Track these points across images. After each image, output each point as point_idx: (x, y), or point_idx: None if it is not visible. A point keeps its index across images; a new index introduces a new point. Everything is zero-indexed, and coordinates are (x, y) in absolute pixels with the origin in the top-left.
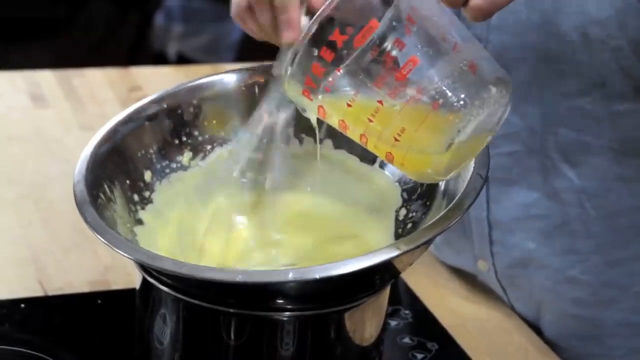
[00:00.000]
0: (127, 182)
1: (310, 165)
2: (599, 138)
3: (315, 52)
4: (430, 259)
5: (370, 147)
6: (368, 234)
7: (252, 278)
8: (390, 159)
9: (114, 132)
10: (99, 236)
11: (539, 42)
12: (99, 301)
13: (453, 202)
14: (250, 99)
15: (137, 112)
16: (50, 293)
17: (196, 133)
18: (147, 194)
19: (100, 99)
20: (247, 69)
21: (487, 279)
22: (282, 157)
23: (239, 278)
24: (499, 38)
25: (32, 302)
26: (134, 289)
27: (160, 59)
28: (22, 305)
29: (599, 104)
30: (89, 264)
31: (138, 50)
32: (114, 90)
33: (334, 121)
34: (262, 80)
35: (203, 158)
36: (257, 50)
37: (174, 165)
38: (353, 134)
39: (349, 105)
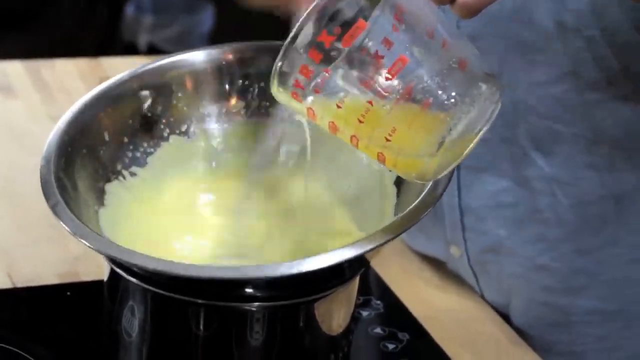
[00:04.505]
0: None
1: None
2: (571, 127)
3: (303, 54)
4: (402, 247)
5: (361, 148)
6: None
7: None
8: (382, 159)
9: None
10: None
11: (512, 31)
12: (68, 293)
13: (425, 192)
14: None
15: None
16: (19, 285)
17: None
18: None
19: (70, 89)
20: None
21: (459, 265)
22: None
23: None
24: (470, 25)
25: (0, 295)
26: (103, 281)
27: (130, 50)
28: None
29: (571, 93)
30: (58, 256)
31: (108, 41)
32: (83, 80)
33: (324, 123)
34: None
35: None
36: (228, 42)
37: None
38: (343, 135)
39: (338, 107)
